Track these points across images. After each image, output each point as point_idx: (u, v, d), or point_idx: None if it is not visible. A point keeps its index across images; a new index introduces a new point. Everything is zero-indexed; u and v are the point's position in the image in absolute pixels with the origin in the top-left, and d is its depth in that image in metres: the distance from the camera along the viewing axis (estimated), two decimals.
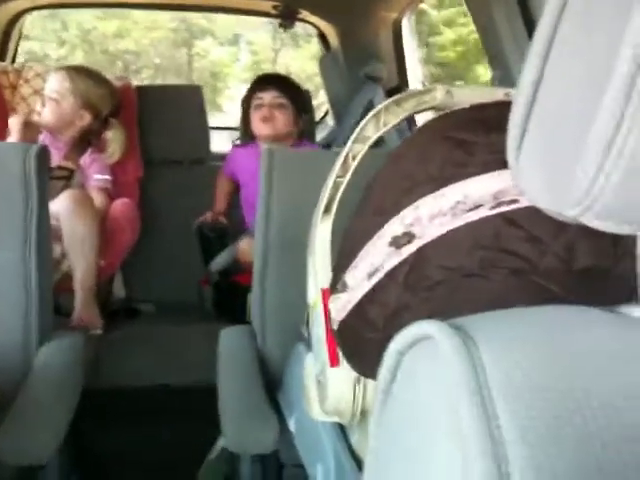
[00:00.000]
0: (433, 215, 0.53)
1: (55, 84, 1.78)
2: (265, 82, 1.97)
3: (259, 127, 1.92)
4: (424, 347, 0.35)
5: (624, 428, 0.31)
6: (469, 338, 0.34)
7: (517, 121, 0.37)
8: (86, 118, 1.81)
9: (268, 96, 1.92)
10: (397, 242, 0.56)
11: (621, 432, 0.30)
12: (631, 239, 0.47)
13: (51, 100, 1.77)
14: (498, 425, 0.30)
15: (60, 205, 1.60)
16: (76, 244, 1.62)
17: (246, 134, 1.98)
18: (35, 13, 2.50)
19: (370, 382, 0.70)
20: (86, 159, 1.81)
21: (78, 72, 1.81)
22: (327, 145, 2.23)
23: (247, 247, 1.72)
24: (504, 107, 0.59)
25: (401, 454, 0.36)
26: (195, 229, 1.91)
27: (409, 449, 0.35)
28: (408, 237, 0.55)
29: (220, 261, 1.84)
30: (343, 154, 0.74)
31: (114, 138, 1.85)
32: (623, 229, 0.34)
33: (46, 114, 1.78)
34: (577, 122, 0.32)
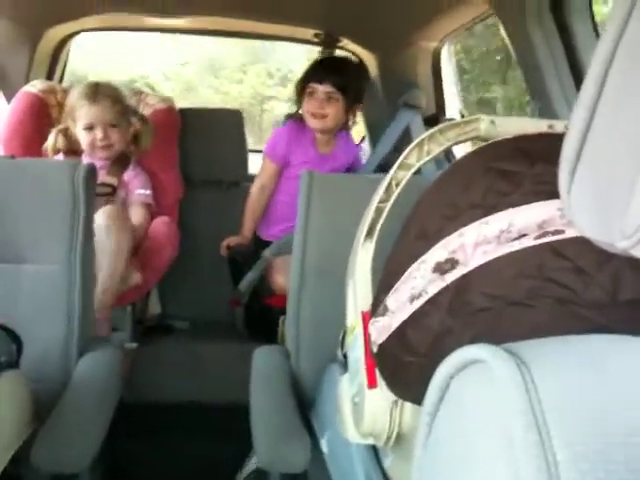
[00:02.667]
0: (478, 243, 0.54)
1: (104, 111, 1.79)
2: (322, 72, 1.91)
3: (309, 119, 1.91)
4: (475, 371, 0.36)
5: None
6: (522, 363, 0.34)
7: (569, 154, 0.39)
8: (131, 135, 1.87)
9: (321, 89, 1.88)
10: (441, 268, 0.57)
11: None
12: None
13: (112, 128, 1.80)
14: (552, 450, 0.31)
15: (97, 221, 1.64)
16: (106, 255, 1.64)
17: (298, 116, 1.96)
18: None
19: (407, 405, 0.71)
20: (129, 174, 1.85)
21: (119, 93, 1.86)
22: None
23: (282, 280, 1.72)
24: (548, 138, 0.60)
25: (449, 475, 0.36)
26: (227, 254, 1.93)
27: (458, 471, 0.36)
28: (452, 263, 0.56)
29: (248, 282, 1.85)
30: (387, 180, 0.76)
31: (145, 130, 1.90)
32: None
33: (116, 142, 1.81)
34: (631, 155, 0.33)
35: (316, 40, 2.28)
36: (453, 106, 2.30)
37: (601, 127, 0.37)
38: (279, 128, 1.99)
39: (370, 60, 2.35)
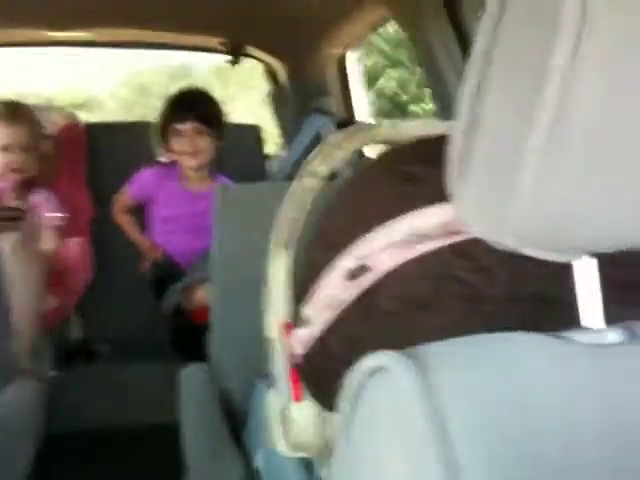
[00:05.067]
0: (384, 247, 0.55)
1: (22, 134, 1.74)
2: (183, 110, 1.89)
3: (182, 159, 1.89)
4: (381, 378, 0.36)
5: (568, 447, 0.32)
6: (421, 366, 0.35)
7: (456, 156, 0.40)
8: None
9: (187, 127, 1.86)
10: (351, 274, 0.57)
11: (566, 455, 0.32)
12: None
13: (27, 151, 1.74)
14: (452, 447, 0.31)
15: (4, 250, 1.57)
16: (17, 286, 1.57)
17: (164, 156, 1.94)
18: None
19: (335, 415, 0.71)
20: (37, 197, 1.79)
21: (28, 113, 1.79)
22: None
23: (205, 294, 1.70)
24: (447, 140, 0.61)
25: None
26: (149, 271, 1.88)
27: (369, 475, 0.36)
28: (361, 269, 0.56)
29: (170, 299, 1.81)
30: (295, 188, 0.76)
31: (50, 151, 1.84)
32: (557, 257, 0.36)
33: (29, 166, 1.74)
34: (513, 155, 0.34)
35: (222, 49, 2.26)
36: (363, 110, 2.33)
37: (484, 128, 0.38)
38: (145, 169, 1.96)
39: (278, 67, 2.35)
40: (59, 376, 1.65)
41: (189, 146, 1.86)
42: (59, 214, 1.80)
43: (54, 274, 1.69)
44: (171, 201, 1.92)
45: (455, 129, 0.39)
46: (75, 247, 1.77)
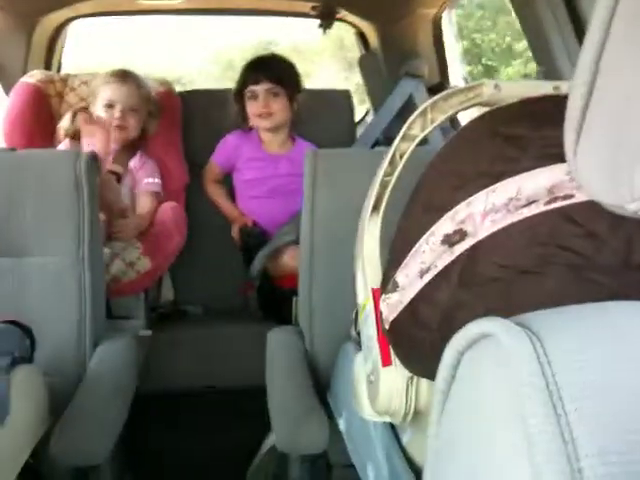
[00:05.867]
0: (486, 212, 0.52)
1: (128, 93, 1.79)
2: (257, 72, 1.91)
3: (257, 122, 1.91)
4: (485, 345, 0.35)
5: None
6: (533, 334, 0.33)
7: (574, 113, 0.37)
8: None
9: (260, 88, 1.88)
10: (449, 240, 0.55)
11: None
12: None
13: (131, 112, 1.80)
14: (568, 422, 0.30)
15: None
16: None
17: (244, 123, 1.96)
18: None
19: (423, 381, 0.70)
20: (136, 162, 1.84)
21: (138, 77, 1.84)
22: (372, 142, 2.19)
23: (290, 258, 1.72)
24: (554, 100, 0.58)
25: (463, 452, 0.35)
26: (240, 237, 1.91)
27: (472, 448, 0.35)
28: (460, 235, 0.54)
29: (257, 265, 1.84)
30: (390, 152, 0.74)
31: (152, 117, 1.89)
32: None
33: (132, 127, 1.81)
34: (638, 115, 0.32)
35: (314, 13, 2.24)
36: (457, 73, 2.26)
37: (606, 83, 0.35)
38: (226, 136, 1.99)
39: (370, 31, 2.31)
40: (152, 335, 1.71)
41: (263, 107, 1.88)
42: (157, 180, 1.85)
43: (150, 237, 1.75)
44: (252, 164, 1.94)
45: (575, 86, 0.36)
46: (170, 211, 1.81)
